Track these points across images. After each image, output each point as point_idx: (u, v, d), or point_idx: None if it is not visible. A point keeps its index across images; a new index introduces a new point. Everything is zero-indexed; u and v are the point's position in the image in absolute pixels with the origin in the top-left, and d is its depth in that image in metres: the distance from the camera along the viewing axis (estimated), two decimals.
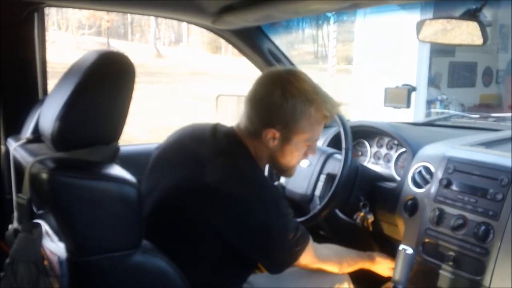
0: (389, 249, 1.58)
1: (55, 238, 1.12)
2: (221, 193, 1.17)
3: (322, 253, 1.40)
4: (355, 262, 1.50)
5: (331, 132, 2.02)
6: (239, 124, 1.31)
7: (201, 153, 1.25)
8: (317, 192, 1.71)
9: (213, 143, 1.28)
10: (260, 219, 1.19)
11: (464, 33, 1.31)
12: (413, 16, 5.13)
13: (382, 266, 1.56)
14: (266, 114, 1.24)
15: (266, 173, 1.87)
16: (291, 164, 1.34)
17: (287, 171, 1.37)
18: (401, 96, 1.95)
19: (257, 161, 1.30)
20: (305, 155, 1.35)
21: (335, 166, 1.68)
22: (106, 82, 1.02)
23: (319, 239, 1.46)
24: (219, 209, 1.17)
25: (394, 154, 1.87)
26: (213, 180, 1.18)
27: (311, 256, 1.33)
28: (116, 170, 1.02)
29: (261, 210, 1.19)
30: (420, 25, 1.41)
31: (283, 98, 1.22)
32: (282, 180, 1.84)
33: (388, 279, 1.41)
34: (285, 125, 1.24)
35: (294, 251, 1.27)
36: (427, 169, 1.55)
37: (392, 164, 1.86)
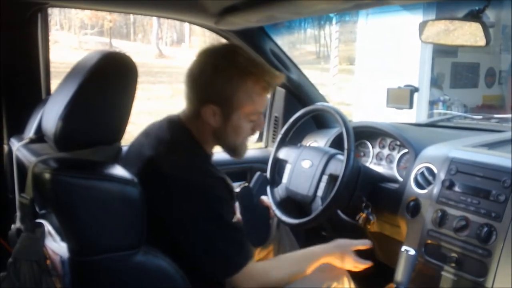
0: (391, 251, 1.58)
1: (57, 237, 1.12)
2: (162, 181, 1.16)
3: (267, 270, 1.29)
4: (312, 260, 1.38)
5: (333, 132, 2.02)
6: (184, 109, 1.31)
7: (146, 146, 1.25)
8: (319, 192, 1.71)
9: (156, 134, 1.27)
10: (198, 204, 1.17)
11: (467, 34, 1.31)
12: (416, 16, 5.13)
13: (346, 250, 1.44)
14: (202, 90, 1.24)
15: (268, 174, 1.87)
16: (238, 141, 1.31)
17: (235, 150, 1.33)
18: (404, 96, 1.95)
19: (202, 144, 1.28)
20: (252, 131, 1.32)
21: (337, 166, 1.68)
22: (109, 83, 1.02)
23: (321, 240, 1.46)
24: (162, 199, 1.16)
25: (396, 155, 1.86)
26: (155, 169, 1.18)
27: (258, 278, 1.23)
28: (119, 170, 1.02)
29: (199, 194, 1.17)
30: (422, 26, 1.41)
31: (216, 73, 1.21)
32: (285, 180, 1.84)
33: (390, 279, 1.41)
34: (222, 100, 1.22)
35: (236, 250, 1.21)
36: (429, 170, 1.55)
37: (394, 165, 1.85)
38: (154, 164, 1.20)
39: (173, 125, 1.29)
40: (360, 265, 1.45)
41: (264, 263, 1.37)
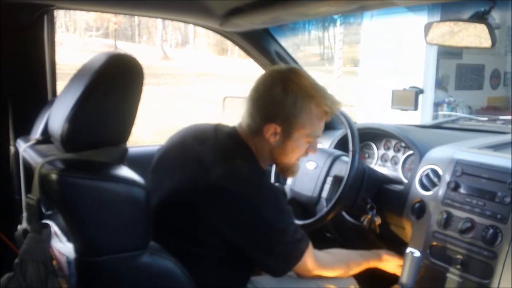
0: (396, 252, 1.57)
1: (63, 238, 1.13)
2: (223, 193, 1.18)
3: (323, 260, 1.38)
4: (359, 265, 1.48)
5: (338, 134, 2.02)
6: (241, 123, 1.32)
7: (204, 154, 1.26)
8: (324, 194, 1.71)
9: (216, 144, 1.28)
10: (262, 217, 1.20)
11: (472, 35, 1.31)
12: (420, 18, 5.12)
13: (390, 264, 1.55)
14: (267, 109, 1.26)
15: (272, 176, 1.88)
16: (293, 161, 1.34)
17: (289, 169, 1.37)
18: (409, 98, 1.95)
19: (259, 160, 1.31)
20: (306, 153, 1.35)
21: (342, 168, 1.68)
22: (115, 84, 1.02)
23: (326, 242, 1.46)
24: (221, 209, 1.18)
25: (401, 157, 1.86)
26: (215, 180, 1.18)
27: (312, 262, 1.32)
28: (125, 171, 1.02)
29: (262, 208, 1.20)
30: (427, 27, 1.41)
31: (283, 93, 1.24)
32: (289, 182, 1.84)
33: (395, 280, 1.41)
34: (286, 120, 1.25)
35: (295, 251, 1.27)
36: (434, 172, 1.55)
37: (399, 166, 1.85)
38: (214, 176, 1.20)
39: (234, 139, 1.30)
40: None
41: (319, 252, 1.40)
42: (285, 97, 1.24)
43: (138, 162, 1.24)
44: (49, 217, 1.16)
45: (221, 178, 1.19)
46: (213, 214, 1.18)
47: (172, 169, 1.30)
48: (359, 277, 1.53)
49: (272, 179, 1.87)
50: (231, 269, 1.28)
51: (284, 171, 1.39)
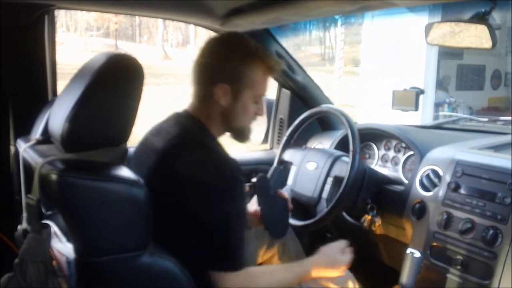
0: (397, 253, 1.57)
1: (63, 238, 1.13)
2: (176, 163, 1.18)
3: (254, 278, 1.25)
4: (292, 280, 1.33)
5: (339, 134, 2.02)
6: (190, 103, 1.35)
7: (158, 141, 1.27)
8: (324, 194, 1.71)
9: (167, 129, 1.30)
10: (208, 179, 1.17)
11: (472, 36, 1.31)
12: (421, 18, 5.12)
13: (324, 272, 1.39)
14: (215, 71, 1.29)
15: (270, 174, 1.86)
16: (244, 123, 1.35)
17: (242, 133, 1.38)
18: (409, 98, 1.95)
19: (210, 129, 1.31)
20: (255, 115, 1.36)
21: (343, 168, 1.68)
22: (115, 84, 1.02)
23: (326, 242, 1.46)
24: (179, 184, 1.17)
25: (401, 157, 1.86)
26: (169, 159, 1.20)
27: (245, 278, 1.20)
28: (125, 172, 1.02)
29: (209, 168, 1.19)
30: (428, 28, 1.41)
31: (229, 54, 1.29)
32: (290, 182, 1.84)
33: (395, 280, 1.41)
34: (234, 79, 1.28)
35: (238, 246, 1.19)
36: (435, 173, 1.55)
37: (399, 167, 1.85)
38: (166, 157, 1.21)
39: (180, 116, 1.34)
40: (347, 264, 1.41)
41: (254, 269, 1.35)
42: (231, 57, 1.28)
43: None
44: (49, 217, 1.16)
45: (173, 154, 1.20)
46: (174, 189, 1.17)
47: (137, 169, 1.26)
48: (359, 277, 1.53)
49: (272, 178, 1.86)
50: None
51: (238, 136, 1.39)
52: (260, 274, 1.30)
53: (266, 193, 1.52)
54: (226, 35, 1.40)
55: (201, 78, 1.32)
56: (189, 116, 1.33)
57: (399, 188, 1.70)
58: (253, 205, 1.56)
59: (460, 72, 6.74)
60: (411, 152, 1.80)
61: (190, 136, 1.26)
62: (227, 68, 1.28)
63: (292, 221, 1.69)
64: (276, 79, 2.24)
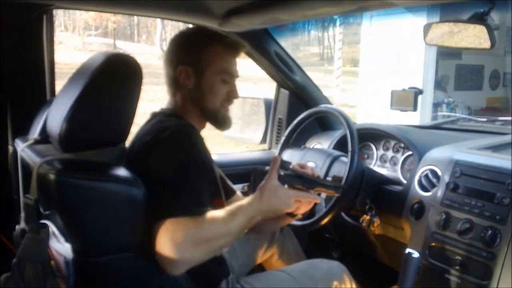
0: (395, 253, 1.57)
1: (61, 238, 1.12)
2: (153, 147, 1.13)
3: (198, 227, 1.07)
4: (231, 224, 1.13)
5: (337, 134, 2.01)
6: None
7: (137, 136, 1.26)
8: (323, 194, 1.71)
9: (145, 128, 1.28)
10: (178, 156, 1.13)
11: (471, 36, 1.31)
12: (420, 19, 5.12)
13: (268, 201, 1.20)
14: (174, 55, 1.34)
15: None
16: (216, 105, 1.33)
17: (217, 117, 1.35)
18: (408, 99, 1.94)
19: (185, 117, 1.32)
20: (228, 97, 1.35)
21: (341, 169, 1.68)
22: (113, 84, 1.02)
23: (325, 242, 1.46)
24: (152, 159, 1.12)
25: (400, 157, 1.86)
26: (146, 147, 1.14)
27: (187, 236, 1.02)
28: (123, 172, 1.02)
29: (179, 149, 1.14)
30: (427, 28, 1.41)
31: (185, 38, 1.37)
32: None
33: (395, 280, 1.41)
34: (193, 60, 1.31)
35: (197, 203, 1.09)
36: (433, 173, 1.55)
37: (398, 167, 1.85)
38: (140, 152, 1.16)
39: (160, 111, 1.36)
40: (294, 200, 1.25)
41: (197, 218, 1.09)
42: (188, 40, 1.35)
43: None
44: (47, 217, 1.16)
45: (149, 141, 1.15)
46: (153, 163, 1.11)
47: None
48: (359, 277, 1.53)
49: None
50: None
51: (214, 120, 1.36)
52: (202, 222, 1.09)
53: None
54: (187, 28, 1.46)
55: (166, 67, 1.36)
56: (165, 108, 1.36)
57: (398, 188, 1.69)
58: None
59: (458, 72, 6.74)
60: (410, 152, 1.79)
61: (165, 127, 1.19)
62: (185, 50, 1.33)
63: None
64: (275, 79, 2.25)
